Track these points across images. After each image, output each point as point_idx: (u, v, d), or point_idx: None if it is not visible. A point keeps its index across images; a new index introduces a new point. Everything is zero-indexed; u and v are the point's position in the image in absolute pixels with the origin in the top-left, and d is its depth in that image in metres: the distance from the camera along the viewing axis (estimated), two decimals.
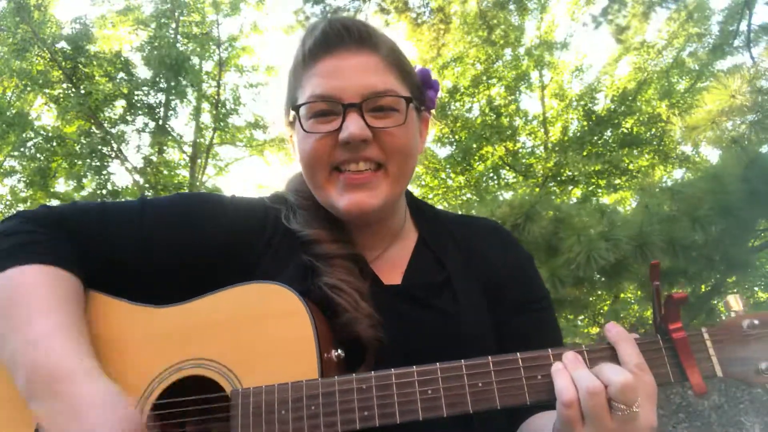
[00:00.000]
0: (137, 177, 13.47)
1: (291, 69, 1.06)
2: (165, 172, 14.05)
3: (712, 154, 14.58)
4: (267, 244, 1.06)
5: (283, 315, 0.90)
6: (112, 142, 13.02)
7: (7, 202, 13.30)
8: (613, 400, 0.75)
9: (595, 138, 12.68)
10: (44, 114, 14.27)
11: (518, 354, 0.84)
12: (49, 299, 0.89)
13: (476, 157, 13.46)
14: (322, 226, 1.06)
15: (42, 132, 13.31)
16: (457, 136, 13.15)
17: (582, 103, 13.20)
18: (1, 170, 13.25)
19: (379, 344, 0.94)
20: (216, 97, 14.50)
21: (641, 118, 12.50)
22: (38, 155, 13.26)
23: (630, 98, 12.41)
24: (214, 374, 0.90)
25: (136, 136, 13.71)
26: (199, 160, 14.59)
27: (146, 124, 13.81)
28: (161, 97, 14.01)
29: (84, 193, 13.14)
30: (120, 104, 13.71)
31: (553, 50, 13.18)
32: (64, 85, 13.03)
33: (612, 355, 0.82)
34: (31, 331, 0.86)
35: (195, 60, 14.15)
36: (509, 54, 13.32)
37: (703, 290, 5.67)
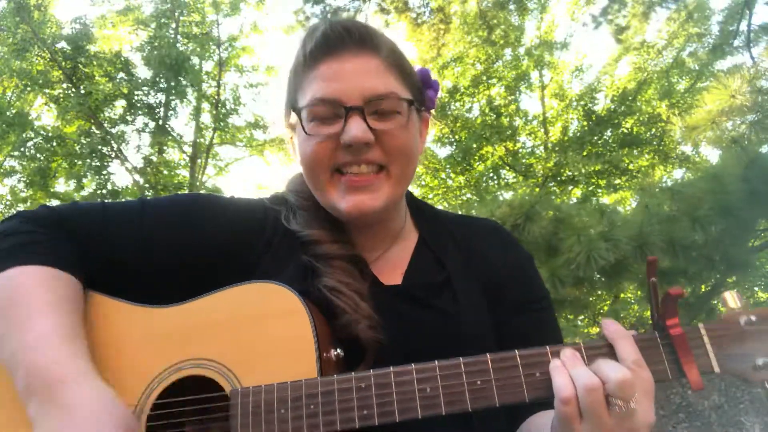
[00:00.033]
0: (137, 177, 13.48)
1: (291, 70, 1.05)
2: (165, 172, 14.05)
3: (712, 154, 14.60)
4: (267, 244, 1.06)
5: (282, 314, 0.91)
6: (112, 142, 13.02)
7: (7, 202, 13.30)
8: (611, 396, 0.75)
9: (595, 138, 12.68)
10: (44, 114, 14.29)
11: (516, 352, 0.84)
12: (48, 300, 0.89)
13: (476, 157, 13.46)
14: (322, 226, 1.06)
15: (42, 132, 13.31)
16: (457, 136, 13.15)
17: (582, 103, 13.20)
18: (1, 170, 13.25)
19: (379, 345, 0.94)
20: (216, 97, 14.50)
21: (641, 118, 12.50)
22: (38, 155, 13.26)
23: (630, 98, 12.41)
24: (213, 374, 0.90)
25: (136, 136, 13.73)
26: (199, 160, 14.59)
27: (146, 124, 13.81)
28: (161, 97, 14.01)
29: (84, 193, 13.14)
30: (120, 104, 13.71)
31: (553, 50, 13.18)
32: (64, 85, 13.03)
33: (610, 352, 0.82)
34: (29, 333, 0.85)
35: (195, 60, 14.15)
36: (509, 54, 13.32)
37: (703, 290, 5.67)
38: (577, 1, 11.98)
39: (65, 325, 0.88)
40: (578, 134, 13.09)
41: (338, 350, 0.92)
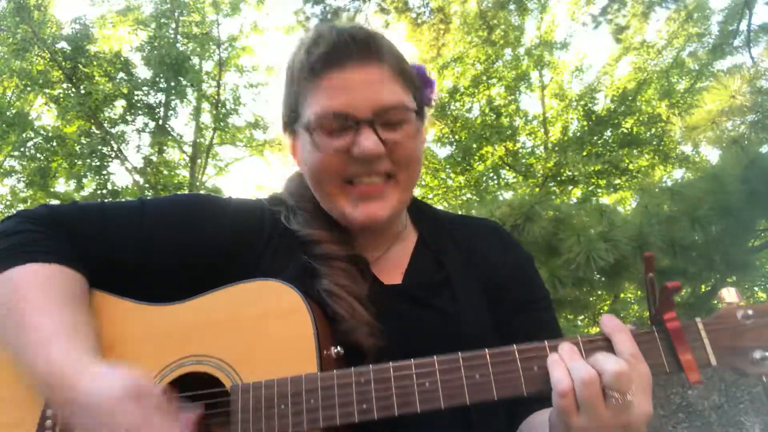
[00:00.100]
0: (137, 177, 13.48)
1: (293, 76, 1.03)
2: (165, 172, 14.06)
3: (712, 154, 14.59)
4: (266, 244, 1.07)
5: (283, 312, 0.91)
6: (112, 142, 13.03)
7: (7, 202, 13.32)
8: (608, 388, 0.76)
9: (595, 138, 12.69)
10: (44, 114, 14.30)
11: (515, 346, 0.85)
12: (54, 298, 0.90)
13: (476, 157, 13.47)
14: (323, 226, 1.07)
15: (42, 132, 13.33)
16: (457, 136, 13.15)
17: (582, 103, 13.20)
18: (1, 170, 13.26)
19: (378, 350, 0.94)
20: (216, 97, 14.51)
21: (641, 118, 12.51)
22: (38, 155, 13.27)
23: (630, 98, 12.42)
24: (214, 370, 0.91)
25: (136, 136, 13.75)
26: (199, 160, 14.59)
27: (146, 124, 13.83)
28: (161, 97, 14.02)
29: (84, 193, 13.14)
30: (120, 104, 13.72)
31: (553, 50, 13.18)
32: (64, 85, 13.04)
33: (608, 346, 0.83)
34: (36, 331, 0.86)
35: (195, 60, 14.16)
36: (509, 54, 13.33)
37: (703, 290, 5.66)
38: (577, 1, 11.98)
39: (70, 323, 0.89)
40: (578, 134, 13.10)
41: (338, 348, 0.92)
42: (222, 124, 14.65)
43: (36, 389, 0.88)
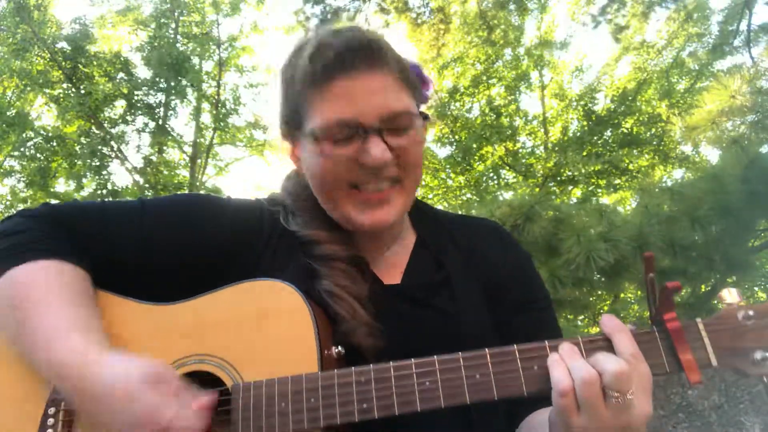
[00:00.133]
0: (137, 177, 13.48)
1: (294, 82, 1.01)
2: (165, 172, 14.06)
3: (712, 154, 14.58)
4: (266, 244, 1.07)
5: (284, 312, 0.91)
6: (112, 142, 13.02)
7: (7, 202, 13.32)
8: (608, 388, 0.76)
9: (595, 138, 12.68)
10: (44, 114, 14.30)
11: (515, 346, 0.85)
12: (64, 293, 0.91)
13: (476, 157, 13.46)
14: (322, 227, 1.07)
15: (42, 132, 13.32)
16: (457, 136, 13.14)
17: (582, 103, 13.20)
18: (1, 170, 13.25)
19: (378, 351, 0.94)
20: (216, 97, 14.51)
21: (641, 118, 12.50)
22: (38, 155, 13.27)
23: (630, 98, 12.41)
24: (215, 369, 0.91)
25: (136, 136, 13.73)
26: (199, 160, 14.59)
27: (146, 124, 13.82)
28: (161, 97, 14.02)
29: (84, 193, 13.15)
30: (120, 104, 13.72)
31: (553, 50, 13.18)
32: (64, 85, 13.03)
33: (608, 346, 0.83)
34: (49, 326, 0.87)
35: (195, 60, 14.15)
36: (509, 54, 13.32)
37: (703, 290, 5.66)
38: (578, 1, 11.98)
39: (82, 316, 0.90)
40: (578, 134, 13.09)
41: (339, 348, 0.93)
42: (222, 124, 14.65)
43: (49, 383, 0.89)
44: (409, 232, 1.19)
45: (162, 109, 14.03)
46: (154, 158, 13.75)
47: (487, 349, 0.85)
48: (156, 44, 13.48)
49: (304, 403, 0.84)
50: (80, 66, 12.87)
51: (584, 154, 12.20)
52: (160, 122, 13.84)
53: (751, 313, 0.83)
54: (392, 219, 1.02)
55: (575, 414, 0.77)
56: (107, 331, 0.95)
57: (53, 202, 1.12)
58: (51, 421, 0.90)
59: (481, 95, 13.50)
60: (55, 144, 13.30)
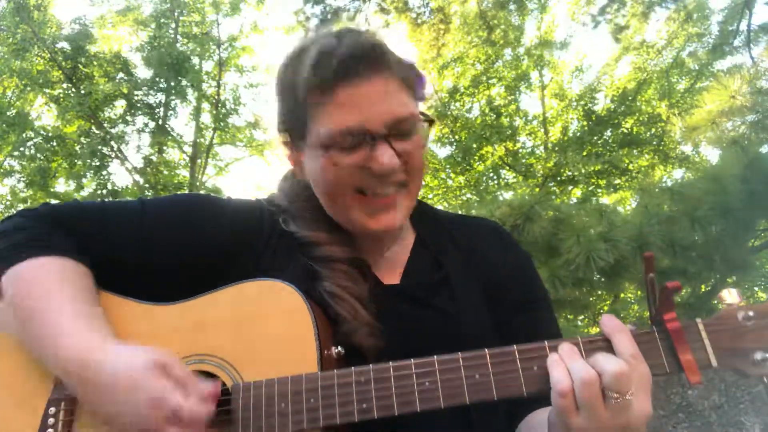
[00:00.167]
0: (137, 177, 13.48)
1: (295, 90, 0.98)
2: (165, 172, 14.07)
3: (712, 154, 14.59)
4: (266, 244, 1.07)
5: (284, 312, 0.92)
6: (112, 142, 13.02)
7: (7, 202, 13.32)
8: (607, 388, 0.76)
9: (595, 138, 12.68)
10: (44, 114, 14.30)
11: (515, 346, 0.85)
12: (67, 288, 0.92)
13: (476, 157, 13.46)
14: (322, 228, 1.07)
15: (42, 132, 13.32)
16: (457, 136, 13.14)
17: (582, 103, 13.19)
18: (1, 170, 13.26)
19: (378, 351, 0.95)
20: (216, 97, 14.51)
21: (641, 118, 12.50)
22: (38, 155, 13.27)
23: (630, 98, 12.41)
24: (216, 369, 0.91)
25: (136, 136, 13.73)
26: (199, 160, 14.59)
27: (146, 124, 13.82)
28: (161, 97, 14.02)
29: (84, 193, 13.15)
30: (120, 104, 13.72)
31: (553, 50, 13.17)
32: (64, 85, 13.04)
33: (608, 346, 0.83)
34: (54, 321, 0.88)
35: (195, 60, 14.15)
36: (509, 54, 13.32)
37: (703, 290, 5.66)
38: (578, 1, 11.98)
39: (87, 310, 0.91)
40: (578, 134, 13.09)
41: (339, 348, 0.93)
42: (222, 124, 14.66)
43: (49, 383, 0.90)
44: (408, 231, 1.19)
45: (162, 109, 14.03)
46: (154, 158, 13.76)
47: (486, 350, 0.85)
48: (156, 44, 13.48)
49: (304, 403, 0.84)
50: (80, 66, 12.87)
51: (584, 154, 12.20)
52: (160, 122, 13.84)
53: (751, 313, 0.83)
54: (399, 222, 1.03)
55: (574, 414, 0.77)
56: None
57: (53, 202, 1.12)
58: (51, 420, 0.90)
59: (481, 95, 13.49)
60: (55, 144, 13.30)
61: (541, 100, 13.69)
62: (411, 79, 1.03)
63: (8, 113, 12.71)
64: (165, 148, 14.18)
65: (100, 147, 12.81)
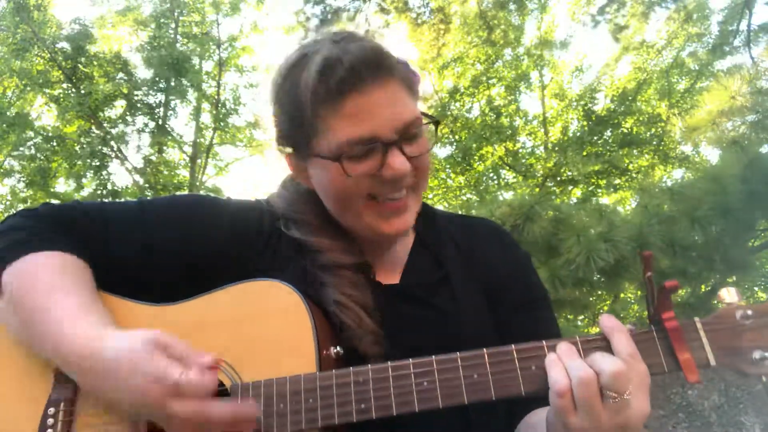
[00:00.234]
0: (137, 177, 13.48)
1: (300, 97, 0.96)
2: (165, 172, 14.07)
3: (712, 154, 14.58)
4: (266, 244, 1.07)
5: (283, 312, 0.92)
6: (112, 142, 13.02)
7: (7, 202, 13.33)
8: (605, 388, 0.76)
9: (595, 138, 12.69)
10: (44, 114, 14.30)
11: (513, 346, 0.85)
12: (67, 281, 0.92)
13: (476, 157, 13.47)
14: (324, 234, 1.07)
15: (42, 132, 13.32)
16: (457, 136, 13.15)
17: (582, 103, 13.21)
18: (1, 170, 13.26)
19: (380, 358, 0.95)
20: (216, 97, 14.51)
21: (641, 118, 12.51)
22: (38, 155, 13.26)
23: (630, 98, 12.42)
24: None
25: (136, 136, 13.71)
26: (199, 160, 14.60)
27: (146, 124, 13.81)
28: (161, 97, 14.02)
29: (84, 193, 13.14)
30: (120, 104, 13.72)
31: (553, 50, 13.18)
32: (64, 85, 13.04)
33: (606, 346, 0.83)
34: (55, 312, 0.88)
35: (195, 60, 14.15)
36: (509, 54, 13.33)
37: (702, 290, 5.66)
38: (578, 1, 11.98)
39: (87, 302, 0.91)
40: (578, 134, 13.09)
41: (338, 348, 0.93)
42: (222, 124, 14.66)
43: (48, 383, 0.91)
44: (408, 231, 1.19)
45: (162, 109, 14.03)
46: (154, 158, 13.75)
47: (485, 349, 0.85)
48: (156, 44, 13.48)
49: (303, 403, 0.84)
50: (80, 66, 12.87)
51: (584, 154, 12.21)
52: (160, 122, 13.84)
53: (749, 312, 0.83)
54: (410, 225, 1.04)
55: (573, 414, 0.77)
56: None
57: (53, 202, 1.12)
58: (51, 421, 0.90)
59: (481, 95, 13.51)
60: (55, 144, 13.30)
61: (541, 100, 13.70)
62: (410, 79, 1.03)
63: (8, 113, 12.71)
64: (165, 148, 14.18)
65: (100, 147, 12.80)
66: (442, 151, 13.73)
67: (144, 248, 1.02)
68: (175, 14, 14.34)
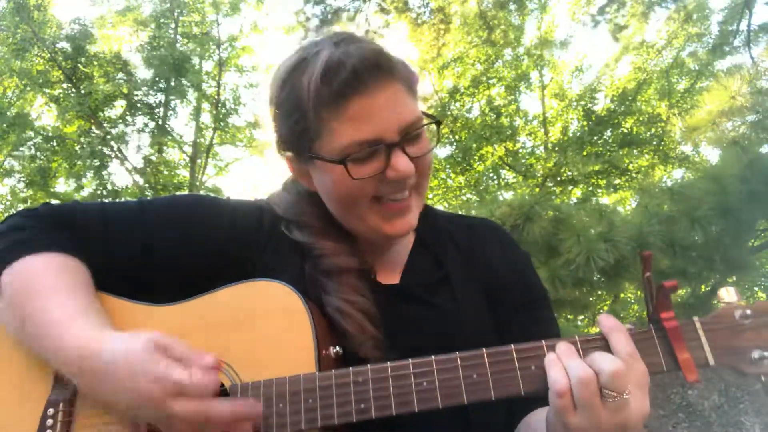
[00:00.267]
0: (137, 177, 13.48)
1: (302, 100, 0.95)
2: (165, 172, 14.07)
3: (712, 154, 14.58)
4: (265, 244, 1.07)
5: (282, 312, 0.92)
6: (112, 142, 13.02)
7: (7, 202, 13.33)
8: (604, 387, 0.76)
9: (595, 138, 12.69)
10: (44, 114, 14.31)
11: (512, 346, 0.85)
12: (66, 282, 0.92)
13: (476, 157, 13.47)
14: (326, 237, 1.06)
15: (42, 132, 13.33)
16: (457, 136, 13.15)
17: (582, 103, 13.21)
18: (1, 170, 13.26)
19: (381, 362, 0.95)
20: (216, 97, 14.51)
21: (641, 118, 12.51)
22: (38, 155, 13.27)
23: (630, 98, 12.42)
24: None
25: (136, 136, 13.72)
26: (199, 160, 14.60)
27: (146, 124, 13.81)
28: (161, 97, 14.02)
29: (84, 193, 13.15)
30: (120, 104, 13.72)
31: (553, 50, 13.18)
32: (64, 85, 13.04)
33: (605, 345, 0.83)
34: (54, 314, 0.88)
35: (195, 60, 14.15)
36: (509, 54, 13.33)
37: (702, 290, 5.66)
38: (578, 1, 11.98)
39: (86, 303, 0.91)
40: (578, 134, 13.10)
41: (337, 348, 0.93)
42: (222, 124, 14.66)
43: (52, 375, 0.91)
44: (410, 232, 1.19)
45: (162, 109, 14.03)
46: (154, 158, 13.76)
47: (484, 349, 0.85)
48: (156, 44, 13.48)
49: (302, 403, 0.84)
50: (80, 66, 12.87)
51: (584, 154, 12.21)
52: (160, 122, 13.84)
53: (748, 312, 0.83)
54: (413, 225, 1.04)
55: (572, 414, 0.77)
56: None
57: (53, 202, 1.12)
58: (50, 421, 0.90)
59: (481, 95, 13.51)
60: (55, 144, 13.31)
61: (541, 100, 13.70)
62: (410, 80, 1.03)
63: (8, 113, 12.72)
64: (165, 148, 14.18)
65: (100, 147, 12.80)
66: (442, 151, 13.75)
67: (144, 248, 1.02)
68: (175, 14, 14.34)
